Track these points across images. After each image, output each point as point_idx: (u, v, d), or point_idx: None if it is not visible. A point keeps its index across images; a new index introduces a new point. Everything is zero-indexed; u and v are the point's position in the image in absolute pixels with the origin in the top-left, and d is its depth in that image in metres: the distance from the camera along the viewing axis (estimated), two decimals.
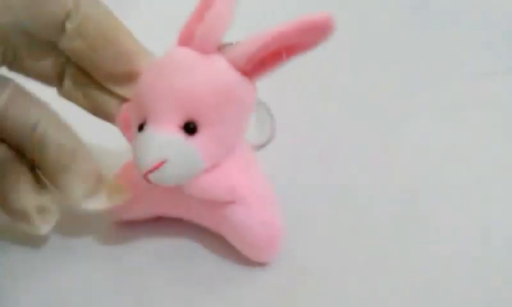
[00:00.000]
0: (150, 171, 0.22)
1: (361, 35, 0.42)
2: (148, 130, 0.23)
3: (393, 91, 0.37)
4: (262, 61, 0.23)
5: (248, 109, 0.24)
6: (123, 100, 0.25)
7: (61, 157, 0.24)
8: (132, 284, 0.25)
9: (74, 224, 0.27)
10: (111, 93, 0.25)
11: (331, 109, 0.35)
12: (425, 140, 0.33)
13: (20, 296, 0.24)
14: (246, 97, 0.24)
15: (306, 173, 0.30)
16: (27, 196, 0.24)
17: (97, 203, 0.25)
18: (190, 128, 0.22)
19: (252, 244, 0.24)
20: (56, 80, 0.26)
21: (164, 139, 0.22)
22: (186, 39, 0.23)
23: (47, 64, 0.25)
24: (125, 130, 0.25)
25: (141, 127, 0.23)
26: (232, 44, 0.23)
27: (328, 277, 0.25)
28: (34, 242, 0.26)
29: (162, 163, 0.22)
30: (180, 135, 0.22)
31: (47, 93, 0.26)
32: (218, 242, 0.26)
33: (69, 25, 0.23)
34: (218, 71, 0.23)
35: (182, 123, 0.22)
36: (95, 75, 0.25)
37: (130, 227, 0.27)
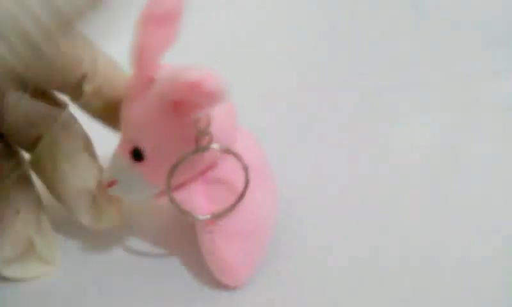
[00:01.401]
0: (106, 187, 0.24)
1: (359, 35, 0.42)
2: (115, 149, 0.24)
3: (390, 91, 0.36)
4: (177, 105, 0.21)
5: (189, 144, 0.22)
6: None
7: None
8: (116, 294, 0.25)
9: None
10: None
11: (323, 108, 0.35)
12: (424, 140, 0.33)
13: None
14: (183, 130, 0.22)
15: (298, 178, 0.30)
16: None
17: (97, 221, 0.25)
18: (136, 154, 0.23)
19: (211, 269, 0.25)
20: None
21: (114, 162, 0.23)
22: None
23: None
24: None
25: None
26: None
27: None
28: None
29: (114, 182, 0.23)
30: (128, 160, 0.23)
31: None
32: None
33: (87, 87, 0.24)
34: (151, 103, 0.22)
35: (130, 149, 0.23)
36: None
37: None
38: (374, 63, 0.39)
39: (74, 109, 0.25)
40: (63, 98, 0.25)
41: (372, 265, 0.25)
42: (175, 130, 0.22)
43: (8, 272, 0.25)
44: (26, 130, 0.24)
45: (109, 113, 0.25)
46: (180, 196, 0.24)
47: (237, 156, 0.23)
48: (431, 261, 0.25)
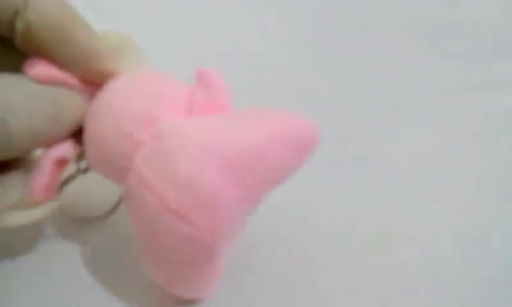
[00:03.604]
0: None
1: (347, 45, 0.42)
2: None
3: (380, 101, 0.37)
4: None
5: None
6: None
7: None
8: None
9: None
10: None
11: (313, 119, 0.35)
12: (416, 152, 0.32)
13: None
14: None
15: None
16: None
17: None
18: None
19: None
20: None
21: None
22: None
23: None
24: None
25: None
26: None
27: None
28: None
29: None
30: None
31: None
32: None
33: (19, 25, 0.21)
34: None
35: None
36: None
37: None
38: (364, 74, 0.39)
39: None
40: None
41: (368, 265, 0.25)
42: None
43: (9, 220, 0.22)
44: None
45: (49, 58, 0.21)
46: None
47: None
48: (430, 264, 0.25)
